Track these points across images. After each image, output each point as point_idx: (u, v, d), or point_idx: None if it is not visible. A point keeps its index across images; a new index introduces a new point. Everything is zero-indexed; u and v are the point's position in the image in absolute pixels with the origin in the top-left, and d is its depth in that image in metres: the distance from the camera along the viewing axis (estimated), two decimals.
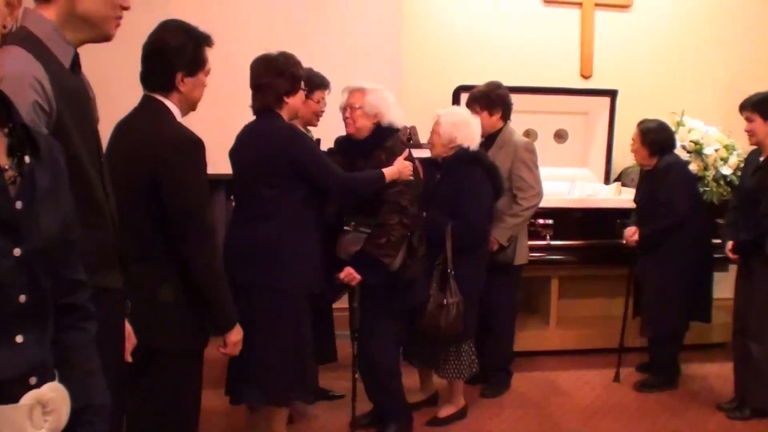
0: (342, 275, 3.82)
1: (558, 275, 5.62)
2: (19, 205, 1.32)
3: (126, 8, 2.07)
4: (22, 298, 1.33)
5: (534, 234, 5.24)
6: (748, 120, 4.49)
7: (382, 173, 3.77)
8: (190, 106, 2.83)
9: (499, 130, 4.71)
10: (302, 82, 3.65)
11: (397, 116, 3.98)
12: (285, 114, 3.59)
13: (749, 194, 4.42)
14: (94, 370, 1.59)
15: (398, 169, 3.81)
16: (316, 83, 4.18)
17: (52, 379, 1.42)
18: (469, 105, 4.71)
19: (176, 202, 2.62)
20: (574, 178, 6.04)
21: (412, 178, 3.86)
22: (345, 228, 3.96)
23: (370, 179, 3.80)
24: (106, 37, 2.08)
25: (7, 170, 1.33)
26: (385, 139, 3.94)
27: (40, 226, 1.36)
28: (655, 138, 4.89)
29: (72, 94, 2.00)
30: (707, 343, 5.47)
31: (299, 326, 3.52)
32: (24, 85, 1.82)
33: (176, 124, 2.72)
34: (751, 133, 4.50)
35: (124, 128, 2.81)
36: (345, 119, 3.98)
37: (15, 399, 1.32)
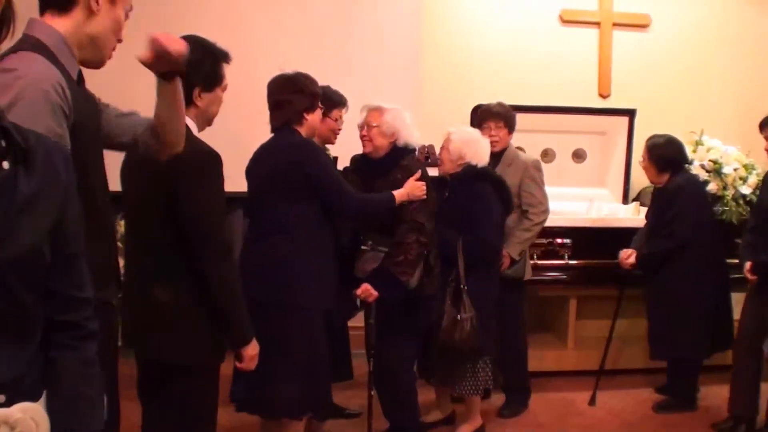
0: (359, 291, 3.83)
1: (576, 295, 5.57)
2: None
3: (119, 41, 2.14)
4: None
5: (552, 254, 5.22)
6: None
7: (393, 196, 3.79)
8: (206, 121, 2.86)
9: (504, 149, 4.73)
10: (319, 101, 3.69)
11: (413, 136, 4.00)
12: (303, 131, 3.62)
13: None
14: (87, 394, 1.49)
15: (407, 191, 3.83)
16: (334, 101, 4.19)
17: (33, 399, 1.35)
18: (486, 120, 4.71)
19: (193, 215, 2.62)
20: (593, 197, 6.01)
21: (424, 197, 3.87)
22: (362, 247, 3.96)
23: (379, 201, 3.83)
24: (101, 62, 2.13)
25: None
26: (401, 158, 3.97)
27: (17, 235, 1.29)
28: (663, 153, 4.84)
29: (83, 104, 2.02)
30: (727, 364, 5.41)
31: (312, 342, 3.52)
32: (48, 88, 1.84)
33: (193, 138, 2.73)
34: None
35: None
36: (362, 138, 4.01)
37: None
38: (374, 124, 3.94)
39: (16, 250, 1.28)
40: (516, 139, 5.46)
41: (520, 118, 5.57)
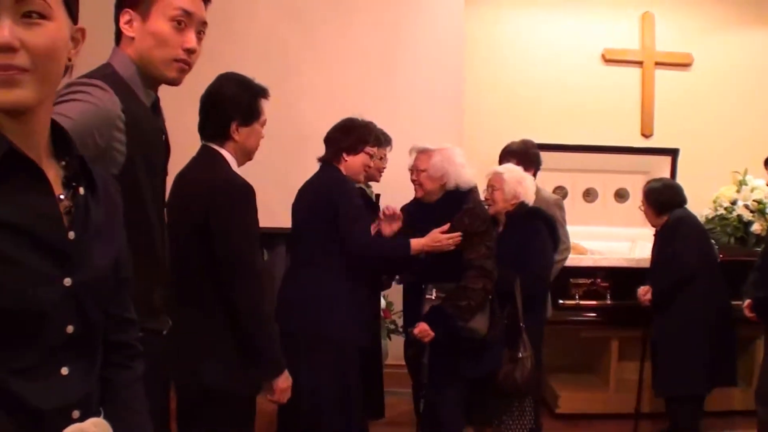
0: (416, 331, 3.71)
1: (618, 336, 5.50)
2: (72, 235, 1.32)
3: (190, 50, 2.08)
4: (70, 328, 1.31)
5: (593, 294, 5.16)
6: None
7: (409, 244, 3.67)
8: (245, 155, 2.89)
9: None
10: (367, 147, 3.75)
11: (464, 176, 3.87)
12: (343, 170, 3.68)
13: None
14: (139, 409, 1.57)
15: (428, 242, 3.69)
16: (380, 141, 4.23)
17: (97, 415, 1.39)
18: (504, 159, 4.69)
19: (225, 245, 2.65)
20: (635, 237, 5.96)
21: (450, 248, 3.72)
22: (426, 296, 3.81)
23: (391, 248, 3.75)
24: (168, 81, 2.11)
25: (63, 200, 1.34)
26: (462, 202, 3.85)
27: (92, 258, 1.35)
28: (658, 198, 4.78)
29: (148, 135, 2.05)
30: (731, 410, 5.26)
31: (345, 377, 3.51)
32: (91, 117, 1.85)
33: (228, 171, 2.77)
34: None
35: (182, 177, 2.88)
36: (413, 182, 3.95)
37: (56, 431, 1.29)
38: (422, 168, 3.87)
39: (92, 272, 1.35)
40: (558, 179, 5.48)
41: (562, 158, 5.59)
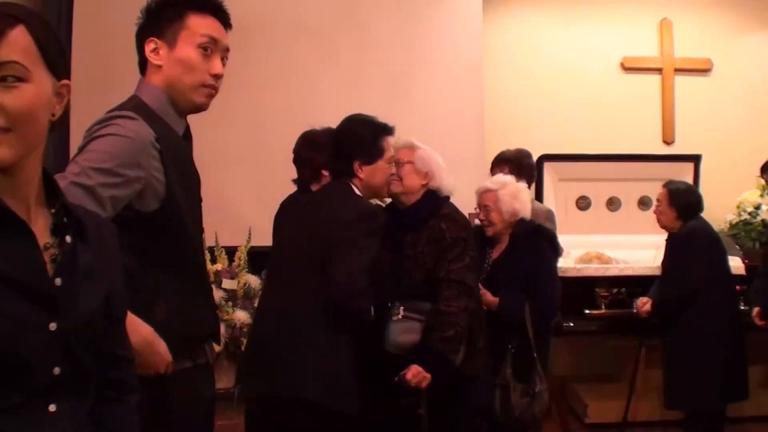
0: (410, 375, 3.02)
1: (644, 345, 5.46)
2: (58, 281, 1.35)
3: (217, 75, 2.12)
4: (56, 370, 1.34)
5: (619, 302, 5.16)
6: None
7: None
8: (371, 191, 3.07)
9: None
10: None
11: (446, 182, 3.41)
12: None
13: None
14: None
15: None
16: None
17: None
18: (497, 166, 4.58)
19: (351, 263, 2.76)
20: (659, 245, 5.93)
21: None
22: (393, 318, 3.19)
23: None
24: (196, 106, 2.14)
25: (50, 248, 1.37)
26: (439, 207, 3.33)
27: (79, 302, 1.38)
28: (684, 201, 4.69)
29: (183, 162, 2.09)
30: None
31: None
32: (129, 148, 1.89)
33: (356, 197, 2.95)
34: None
35: (307, 204, 3.08)
36: (390, 176, 3.29)
37: None
38: (405, 160, 3.34)
39: (79, 317, 1.38)
40: (580, 188, 5.46)
41: (585, 167, 5.60)
